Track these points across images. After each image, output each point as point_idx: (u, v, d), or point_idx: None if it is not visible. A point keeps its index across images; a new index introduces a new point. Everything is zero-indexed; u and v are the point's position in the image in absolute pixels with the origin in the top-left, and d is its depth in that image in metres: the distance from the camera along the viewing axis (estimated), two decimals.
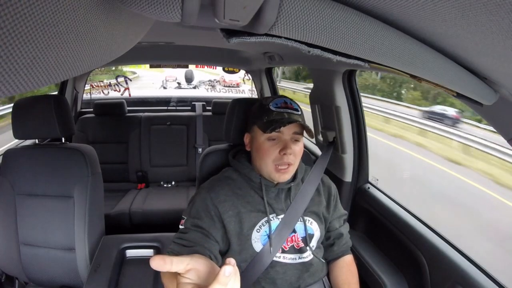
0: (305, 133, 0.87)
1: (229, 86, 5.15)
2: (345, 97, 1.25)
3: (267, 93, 2.40)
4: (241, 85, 4.64)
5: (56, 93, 2.20)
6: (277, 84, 2.44)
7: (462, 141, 6.04)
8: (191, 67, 4.19)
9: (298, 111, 0.84)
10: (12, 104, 1.16)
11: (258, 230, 0.83)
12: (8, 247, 1.19)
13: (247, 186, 0.87)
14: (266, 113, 0.83)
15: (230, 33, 0.37)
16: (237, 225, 0.82)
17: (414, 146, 6.35)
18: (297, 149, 0.83)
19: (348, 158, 1.30)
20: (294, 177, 0.90)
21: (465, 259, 0.85)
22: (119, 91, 2.97)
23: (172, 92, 5.35)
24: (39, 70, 0.20)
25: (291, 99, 0.87)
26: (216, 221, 0.81)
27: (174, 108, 2.74)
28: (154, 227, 1.47)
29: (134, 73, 10.30)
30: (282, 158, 0.81)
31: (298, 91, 10.26)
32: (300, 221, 0.87)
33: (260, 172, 0.86)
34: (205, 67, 3.59)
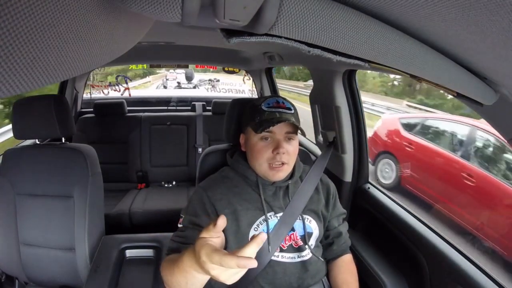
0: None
1: None
2: (345, 97, 1.25)
3: (267, 93, 2.40)
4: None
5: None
6: None
7: None
8: (191, 66, 4.17)
9: (290, 109, 0.84)
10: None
11: (255, 229, 0.83)
12: (8, 247, 1.18)
13: (244, 184, 0.87)
14: (258, 113, 0.83)
15: (230, 33, 0.37)
16: (233, 223, 0.81)
17: None
18: (291, 148, 0.83)
19: (348, 158, 1.30)
20: (291, 175, 0.89)
21: (465, 259, 0.85)
22: (119, 91, 2.96)
23: (172, 92, 5.35)
24: (39, 70, 0.20)
25: (284, 98, 0.86)
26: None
27: (174, 108, 2.74)
28: (154, 227, 1.46)
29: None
30: (275, 157, 0.81)
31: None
32: (299, 219, 0.87)
33: (255, 171, 0.86)
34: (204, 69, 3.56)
